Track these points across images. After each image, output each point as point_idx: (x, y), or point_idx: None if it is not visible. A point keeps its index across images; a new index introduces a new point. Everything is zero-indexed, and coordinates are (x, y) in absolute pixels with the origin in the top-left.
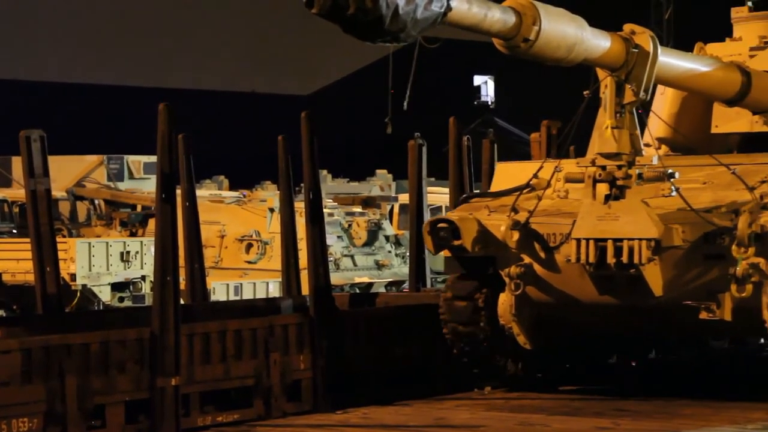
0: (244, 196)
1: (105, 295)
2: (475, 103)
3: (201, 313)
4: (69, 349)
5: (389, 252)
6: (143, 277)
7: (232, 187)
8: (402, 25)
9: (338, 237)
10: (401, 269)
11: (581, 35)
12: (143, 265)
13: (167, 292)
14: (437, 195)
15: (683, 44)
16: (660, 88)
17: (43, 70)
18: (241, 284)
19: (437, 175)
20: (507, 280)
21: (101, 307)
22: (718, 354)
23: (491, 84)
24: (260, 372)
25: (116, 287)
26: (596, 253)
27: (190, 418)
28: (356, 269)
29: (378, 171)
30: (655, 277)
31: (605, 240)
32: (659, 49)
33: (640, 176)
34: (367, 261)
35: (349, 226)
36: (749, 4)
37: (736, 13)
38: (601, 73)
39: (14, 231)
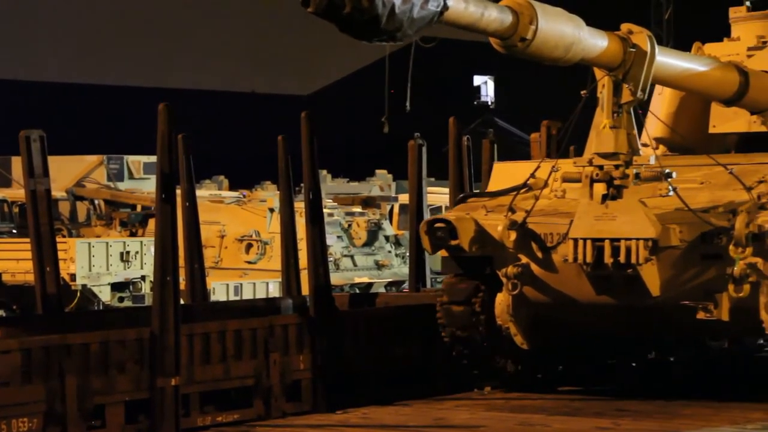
0: (244, 196)
1: (105, 295)
2: (475, 103)
3: (201, 313)
4: (69, 349)
5: (389, 252)
6: (143, 277)
7: (232, 187)
8: (398, 24)
9: (338, 237)
10: (401, 269)
11: (578, 35)
12: (143, 265)
13: (167, 292)
14: (437, 195)
15: (683, 44)
16: (658, 87)
17: (43, 70)
18: (241, 284)
19: (437, 175)
20: (504, 280)
21: (101, 307)
22: (717, 354)
23: (491, 84)
24: (260, 372)
25: (116, 287)
26: (593, 253)
27: (190, 418)
28: (356, 269)
29: (378, 171)
30: (652, 277)
31: (602, 240)
32: (657, 48)
33: (637, 176)
34: (366, 261)
35: (349, 226)
36: (747, 3)
37: (734, 13)
38: (598, 73)
39: (14, 231)
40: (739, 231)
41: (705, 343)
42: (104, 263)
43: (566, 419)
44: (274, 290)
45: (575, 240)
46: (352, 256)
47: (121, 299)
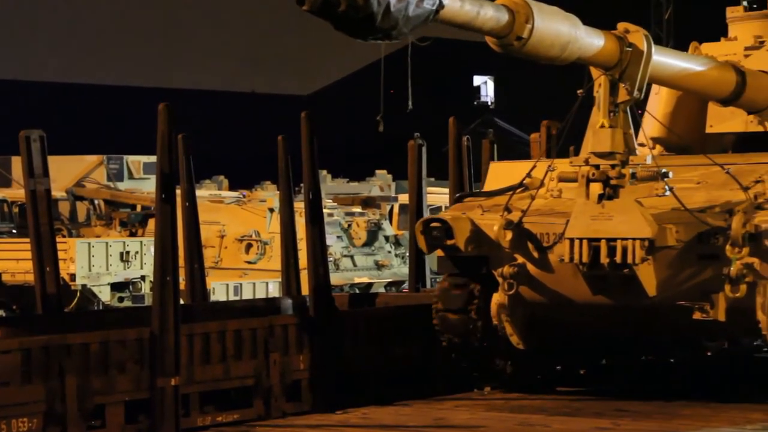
0: (244, 196)
1: (105, 295)
2: (475, 103)
3: (201, 313)
4: (69, 349)
5: (389, 252)
6: (143, 277)
7: (231, 187)
8: (393, 22)
9: (338, 237)
10: (401, 269)
11: (575, 33)
12: (143, 265)
13: (167, 292)
14: (437, 195)
15: (683, 44)
16: (655, 87)
17: (43, 70)
18: (241, 284)
19: (437, 176)
20: (500, 279)
21: (101, 307)
22: (715, 354)
23: (491, 84)
24: (260, 372)
25: (116, 287)
26: (589, 253)
27: (190, 418)
28: (356, 269)
29: (378, 171)
30: (648, 277)
31: (599, 240)
32: (653, 48)
33: (633, 176)
34: (366, 261)
35: (349, 226)
36: (744, 3)
37: (732, 12)
38: (595, 72)
39: (14, 231)
40: (735, 231)
41: (702, 343)
42: (104, 263)
43: (566, 419)
44: (274, 290)
45: (571, 240)
46: (351, 256)
47: (120, 299)
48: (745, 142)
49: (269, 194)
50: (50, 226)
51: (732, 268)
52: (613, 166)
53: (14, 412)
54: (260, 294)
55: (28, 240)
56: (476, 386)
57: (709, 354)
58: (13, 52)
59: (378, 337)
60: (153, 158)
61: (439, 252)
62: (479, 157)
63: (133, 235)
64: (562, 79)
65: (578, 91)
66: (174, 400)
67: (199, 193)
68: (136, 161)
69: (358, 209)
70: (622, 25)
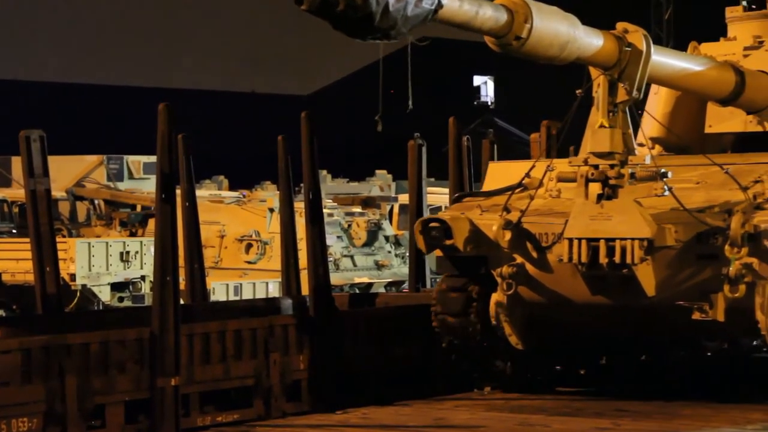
0: (244, 196)
1: (105, 295)
2: (475, 103)
3: (201, 313)
4: (69, 349)
5: (389, 252)
6: (143, 277)
7: (231, 187)
8: (392, 22)
9: (338, 237)
10: (401, 269)
11: (574, 33)
12: (143, 265)
13: (167, 292)
14: (437, 195)
15: (683, 44)
16: (654, 87)
17: (43, 70)
18: (241, 284)
19: (437, 176)
20: (499, 280)
21: (101, 307)
22: (714, 355)
23: (491, 84)
24: (260, 372)
25: (116, 287)
26: (588, 253)
27: (190, 418)
28: (356, 269)
29: (378, 171)
30: (647, 277)
31: (597, 240)
32: (652, 47)
33: (632, 176)
34: (366, 261)
35: (349, 226)
36: (743, 3)
37: (731, 12)
38: (594, 72)
39: (14, 231)
40: (734, 231)
41: (701, 343)
42: (104, 263)
43: (566, 419)
44: (274, 290)
45: (570, 240)
46: (352, 256)
47: (120, 299)
48: (744, 142)
49: (269, 194)
50: (50, 226)
51: (731, 268)
52: (612, 166)
53: (14, 412)
54: (260, 294)
55: (28, 240)
56: (476, 386)
57: (708, 354)
58: (13, 52)
59: (378, 337)
60: (153, 158)
61: (437, 252)
62: (479, 157)
63: (133, 235)
64: (562, 79)
65: (577, 91)
66: (174, 400)
67: (199, 193)
68: (136, 161)
69: (358, 209)
70: (621, 25)
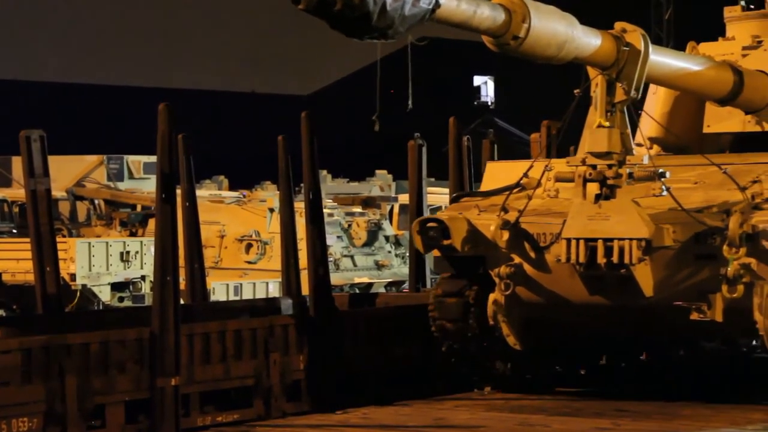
0: (244, 196)
1: (105, 295)
2: (475, 103)
3: (201, 313)
4: (69, 349)
5: (389, 252)
6: (143, 277)
7: (232, 187)
8: (390, 21)
9: (338, 237)
10: (401, 269)
11: (572, 33)
12: (143, 265)
13: (167, 292)
14: (437, 195)
15: (684, 44)
16: (652, 87)
17: (43, 70)
18: (241, 284)
19: (437, 176)
20: (497, 280)
21: (101, 307)
22: (713, 355)
23: (491, 84)
24: (260, 372)
25: (116, 287)
26: (586, 253)
27: (190, 418)
28: (356, 269)
29: (378, 171)
30: (645, 278)
31: (595, 240)
32: (650, 47)
33: (630, 176)
34: (366, 261)
35: (349, 226)
36: (742, 3)
37: (729, 12)
38: (592, 72)
39: (14, 231)
40: (732, 231)
41: (699, 343)
42: (104, 263)
43: (566, 419)
44: (274, 290)
45: (568, 240)
46: (352, 256)
47: (121, 299)
48: (742, 142)
49: (269, 194)
50: (50, 226)
51: (729, 269)
52: (610, 166)
53: (14, 412)
54: (260, 294)
55: (28, 240)
56: (476, 386)
57: (707, 354)
58: (13, 52)
59: (378, 337)
60: (153, 158)
61: (435, 252)
62: (479, 157)
63: (133, 235)
64: (563, 79)
65: (575, 91)
66: (174, 400)
67: (199, 193)
68: (136, 161)
69: (358, 209)
70: (619, 25)
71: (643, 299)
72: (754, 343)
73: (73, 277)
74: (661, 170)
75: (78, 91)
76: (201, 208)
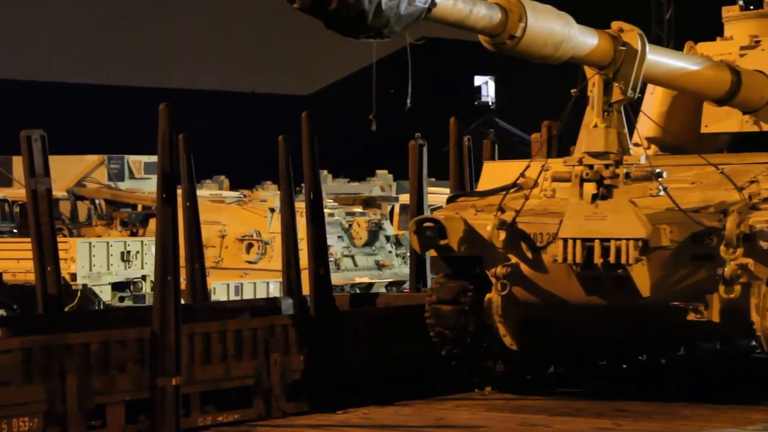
0: (245, 196)
1: (105, 294)
2: (476, 103)
3: (201, 313)
4: (69, 349)
5: (390, 252)
6: (144, 277)
7: (232, 187)
8: (385, 20)
9: (339, 237)
10: (401, 269)
11: (568, 32)
12: (144, 265)
13: (168, 291)
14: (438, 195)
15: (684, 44)
16: (650, 87)
17: (43, 70)
18: (242, 284)
19: (438, 176)
20: (493, 280)
21: (101, 307)
22: (710, 355)
23: (492, 84)
24: (260, 372)
25: (117, 287)
26: (583, 253)
27: (191, 418)
28: (357, 269)
29: (378, 171)
30: (642, 278)
31: (592, 240)
32: (648, 47)
33: (627, 175)
34: (367, 261)
35: (350, 226)
36: (740, 3)
37: (727, 12)
38: (588, 71)
39: (15, 231)
40: (730, 231)
41: (697, 344)
42: (105, 263)
43: (567, 419)
44: (275, 290)
45: (565, 240)
46: (352, 256)
47: (121, 299)
48: (740, 142)
49: (270, 194)
50: (51, 226)
51: (726, 269)
52: (606, 166)
53: (15, 412)
54: (261, 294)
55: (29, 240)
56: (477, 386)
57: (706, 354)
58: (13, 52)
59: (378, 337)
60: (154, 158)
61: (432, 252)
62: (480, 157)
63: (134, 234)
64: (563, 79)
65: (572, 91)
66: (174, 399)
67: (199, 192)
68: (137, 161)
69: (358, 209)
70: (616, 24)
71: (640, 299)
72: (752, 343)
73: (73, 276)
74: (658, 170)
75: (78, 91)
76: (202, 208)
